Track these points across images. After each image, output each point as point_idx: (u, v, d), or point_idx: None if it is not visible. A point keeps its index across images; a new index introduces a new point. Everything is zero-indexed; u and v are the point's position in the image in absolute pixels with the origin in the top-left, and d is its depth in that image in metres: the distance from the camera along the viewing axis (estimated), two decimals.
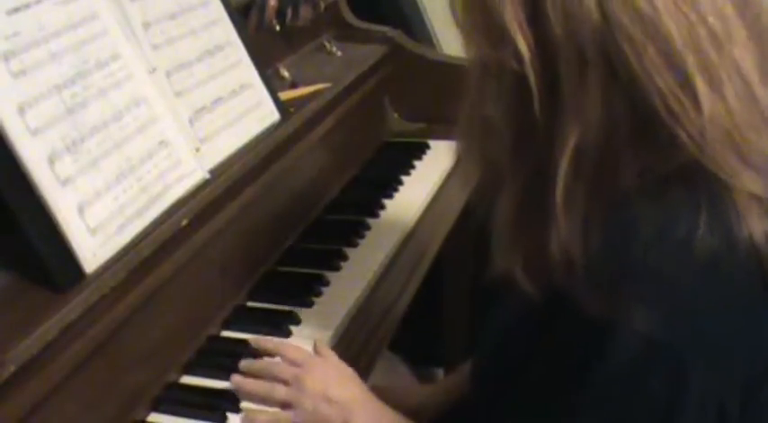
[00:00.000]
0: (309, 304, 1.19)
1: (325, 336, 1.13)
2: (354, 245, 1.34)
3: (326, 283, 1.24)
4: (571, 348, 0.72)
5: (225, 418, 0.99)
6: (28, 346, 0.82)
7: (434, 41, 2.13)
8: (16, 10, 0.95)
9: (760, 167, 0.69)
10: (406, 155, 1.66)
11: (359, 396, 0.98)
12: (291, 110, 1.38)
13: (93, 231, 0.94)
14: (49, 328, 0.85)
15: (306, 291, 1.21)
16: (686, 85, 0.67)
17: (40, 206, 0.90)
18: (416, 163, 1.64)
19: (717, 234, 0.67)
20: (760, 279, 0.69)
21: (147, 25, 1.15)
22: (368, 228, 1.39)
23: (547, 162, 0.71)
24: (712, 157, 0.68)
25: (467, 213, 1.55)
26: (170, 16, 1.20)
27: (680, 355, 0.67)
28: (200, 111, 1.19)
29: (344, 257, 1.30)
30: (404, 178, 1.58)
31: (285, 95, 1.43)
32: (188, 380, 1.06)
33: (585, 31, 0.67)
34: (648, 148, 0.69)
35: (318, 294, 1.22)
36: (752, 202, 0.69)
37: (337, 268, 1.28)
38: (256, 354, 1.07)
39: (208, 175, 1.14)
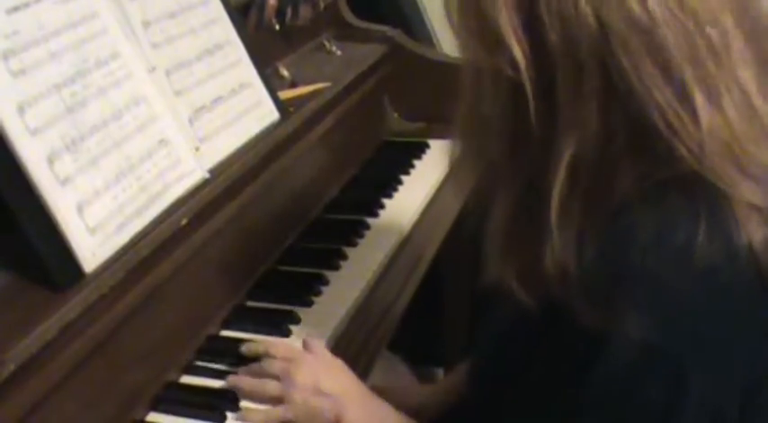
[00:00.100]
0: (309, 304, 1.19)
1: (325, 335, 1.13)
2: (354, 244, 1.34)
3: (326, 283, 1.24)
4: (568, 353, 0.72)
5: (224, 417, 0.99)
6: (27, 345, 0.82)
7: (434, 41, 2.13)
8: (16, 9, 0.95)
9: (760, 178, 0.69)
10: (406, 154, 1.66)
11: (350, 388, 0.98)
12: (291, 109, 1.38)
13: (92, 231, 0.94)
14: (49, 327, 0.85)
15: (305, 290, 1.21)
16: (684, 98, 0.67)
17: (39, 205, 0.90)
18: (416, 162, 1.64)
19: (716, 241, 0.66)
20: (759, 286, 0.69)
21: (146, 24, 1.15)
22: (367, 227, 1.39)
23: (541, 174, 0.71)
24: (711, 169, 0.67)
25: (466, 213, 1.55)
26: (170, 15, 1.20)
27: (679, 360, 0.67)
28: (200, 110, 1.19)
29: (344, 257, 1.30)
30: (403, 178, 1.58)
31: (285, 95, 1.43)
32: (187, 379, 1.06)
33: (582, 40, 0.67)
34: (646, 158, 0.69)
35: (318, 294, 1.22)
36: (751, 210, 0.68)
37: (337, 268, 1.28)
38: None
39: (207, 175, 1.14)
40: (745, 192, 0.68)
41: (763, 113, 0.69)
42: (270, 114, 1.32)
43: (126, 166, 1.02)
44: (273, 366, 1.01)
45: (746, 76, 0.68)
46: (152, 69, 1.13)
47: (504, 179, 0.75)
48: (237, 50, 1.31)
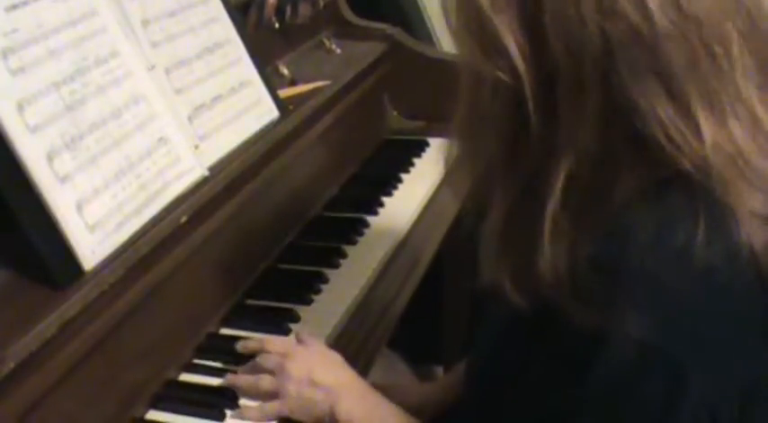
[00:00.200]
0: (308, 302, 1.19)
1: (325, 333, 1.13)
2: (353, 242, 1.34)
3: (326, 281, 1.24)
4: (566, 353, 0.71)
5: (223, 415, 0.99)
6: (27, 342, 0.82)
7: (434, 39, 2.13)
8: (15, 7, 0.95)
9: (765, 189, 0.68)
10: (406, 152, 1.66)
11: (344, 379, 0.98)
12: (290, 107, 1.38)
13: (91, 228, 0.94)
14: (48, 324, 0.85)
15: (305, 288, 1.21)
16: (687, 114, 0.66)
17: (38, 203, 0.90)
18: (416, 161, 1.64)
19: (715, 241, 0.66)
20: (758, 287, 0.68)
21: (146, 22, 1.15)
22: (367, 225, 1.39)
23: (537, 183, 0.70)
24: (718, 182, 0.67)
25: (464, 212, 1.55)
26: (169, 14, 1.20)
27: (678, 360, 0.67)
28: (200, 108, 1.19)
29: (344, 255, 1.30)
30: (403, 176, 1.58)
31: (284, 93, 1.43)
32: (187, 377, 1.06)
33: (586, 53, 0.66)
34: (645, 165, 0.68)
35: (318, 292, 1.22)
36: (753, 213, 0.68)
37: (336, 266, 1.28)
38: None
39: (207, 173, 1.14)
40: (751, 202, 0.67)
41: (766, 124, 0.69)
42: (269, 112, 1.32)
43: (125, 164, 1.02)
44: (268, 361, 1.01)
45: (750, 89, 0.68)
46: (151, 68, 1.13)
47: (501, 183, 0.75)
48: (237, 49, 1.31)
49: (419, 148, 1.68)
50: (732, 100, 0.67)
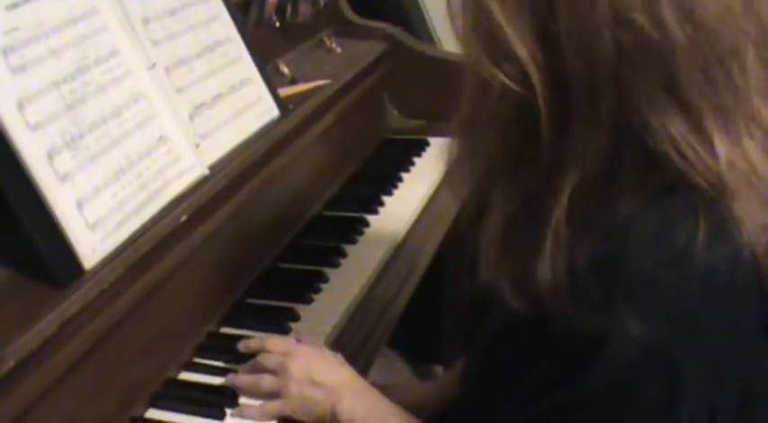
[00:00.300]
0: (308, 301, 1.19)
1: (325, 332, 1.13)
2: (353, 242, 1.34)
3: (326, 280, 1.24)
4: (565, 354, 0.71)
5: (223, 414, 0.99)
6: (27, 341, 0.82)
7: (434, 38, 2.13)
8: (16, 5, 0.95)
9: None
10: (406, 152, 1.66)
11: (345, 378, 0.98)
12: (291, 106, 1.38)
13: (92, 227, 0.94)
14: (48, 323, 0.85)
15: (305, 287, 1.21)
16: (700, 131, 0.66)
17: (39, 202, 0.90)
18: (416, 160, 1.64)
19: (715, 243, 0.65)
20: (757, 289, 0.68)
21: (146, 21, 1.15)
22: (367, 225, 1.39)
23: (541, 193, 0.69)
24: (731, 198, 0.66)
25: (463, 213, 1.55)
26: (170, 12, 1.20)
27: (677, 361, 0.67)
28: (200, 107, 1.19)
29: (344, 254, 1.30)
30: (403, 175, 1.58)
31: (285, 92, 1.43)
32: (187, 376, 1.06)
33: (600, 64, 0.66)
34: (653, 181, 0.68)
35: (317, 291, 1.22)
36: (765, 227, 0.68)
37: (336, 265, 1.28)
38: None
39: (207, 172, 1.14)
40: (763, 216, 0.67)
41: None
42: (270, 111, 1.32)
43: (126, 162, 1.02)
44: (269, 361, 1.01)
45: (764, 107, 0.67)
46: (152, 66, 1.13)
47: (503, 188, 0.75)
48: (238, 47, 1.31)
49: (419, 147, 1.68)
50: (747, 116, 0.67)
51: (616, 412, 0.70)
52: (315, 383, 0.97)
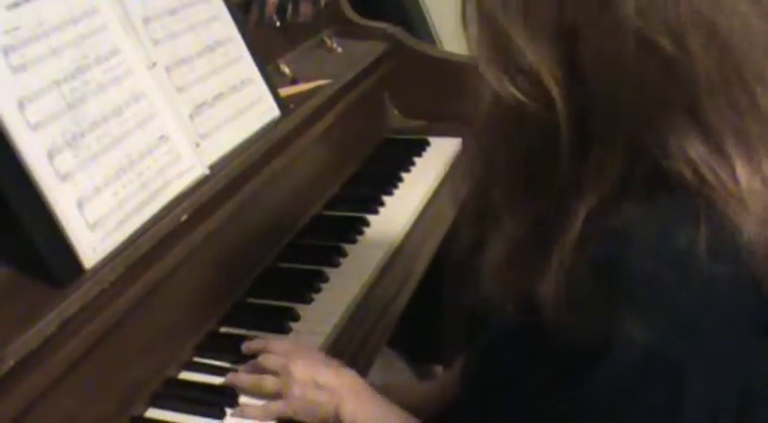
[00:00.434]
0: (308, 300, 1.19)
1: (325, 332, 1.13)
2: (354, 241, 1.34)
3: (326, 280, 1.24)
4: (566, 357, 0.71)
5: (223, 413, 0.99)
6: (27, 340, 0.82)
7: (435, 38, 2.13)
8: (16, 5, 0.95)
9: None
10: (406, 152, 1.66)
11: (348, 381, 0.98)
12: (291, 106, 1.38)
13: (92, 226, 0.94)
14: (48, 322, 0.85)
15: (305, 287, 1.21)
16: (722, 156, 0.65)
17: (39, 201, 0.90)
18: (416, 160, 1.64)
19: (716, 245, 0.65)
20: (755, 290, 0.68)
21: (147, 20, 1.15)
22: (367, 224, 1.39)
23: (553, 216, 0.69)
24: (756, 223, 0.66)
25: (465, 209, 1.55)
26: (170, 11, 1.20)
27: (679, 363, 0.67)
28: (201, 106, 1.19)
29: (344, 254, 1.30)
30: (404, 175, 1.58)
31: (285, 92, 1.43)
32: (186, 375, 1.06)
33: (622, 87, 0.65)
34: (657, 191, 0.68)
35: (318, 291, 1.22)
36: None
37: (336, 265, 1.28)
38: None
39: (207, 171, 1.14)
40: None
41: None
42: (270, 111, 1.32)
43: (126, 162, 1.02)
44: (271, 362, 1.01)
45: None
46: (152, 65, 1.13)
47: (511, 208, 0.74)
48: (238, 47, 1.31)
49: (420, 147, 1.68)
50: (766, 141, 0.66)
51: (617, 415, 0.70)
52: (318, 386, 0.97)
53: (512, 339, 0.81)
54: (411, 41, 1.80)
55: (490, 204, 0.77)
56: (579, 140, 0.68)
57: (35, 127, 0.92)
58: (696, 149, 0.65)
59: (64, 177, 0.93)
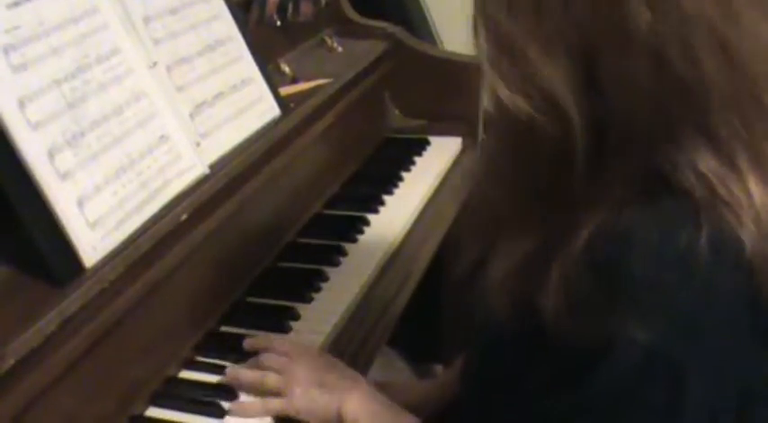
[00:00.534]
0: (309, 300, 1.19)
1: (324, 331, 1.13)
2: (354, 241, 1.34)
3: (326, 279, 1.24)
4: (567, 359, 0.71)
5: (223, 412, 0.99)
6: (27, 339, 0.83)
7: (436, 38, 2.13)
8: (17, 4, 0.95)
9: None
10: (407, 151, 1.66)
11: (350, 382, 0.98)
12: (292, 105, 1.38)
13: (92, 225, 0.94)
14: (49, 321, 0.85)
15: (305, 286, 1.21)
16: (734, 170, 0.65)
17: (39, 200, 0.90)
18: (417, 159, 1.64)
19: (717, 246, 0.65)
20: (752, 292, 0.68)
21: (147, 20, 1.15)
22: (368, 224, 1.39)
23: (561, 234, 0.69)
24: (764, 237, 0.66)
25: (466, 210, 1.55)
26: (171, 11, 1.20)
27: (680, 363, 0.67)
28: (201, 105, 1.19)
29: (344, 253, 1.31)
30: (404, 174, 1.58)
31: (286, 91, 1.43)
32: (187, 374, 1.06)
33: (638, 105, 0.65)
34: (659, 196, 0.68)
35: (318, 290, 1.22)
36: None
37: (337, 264, 1.28)
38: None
39: (208, 170, 1.14)
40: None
41: None
42: (271, 110, 1.32)
43: (126, 161, 1.02)
44: (273, 360, 1.01)
45: None
46: (153, 65, 1.13)
47: (517, 219, 0.74)
48: (239, 46, 1.31)
49: (420, 146, 1.69)
50: None
51: (617, 415, 0.70)
52: (320, 385, 0.97)
53: (512, 339, 0.81)
54: (411, 41, 1.80)
55: (495, 218, 0.77)
56: (594, 154, 0.68)
57: (35, 126, 0.92)
58: (707, 163, 0.65)
59: (64, 176, 0.93)
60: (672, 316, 0.67)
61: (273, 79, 1.38)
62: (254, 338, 1.08)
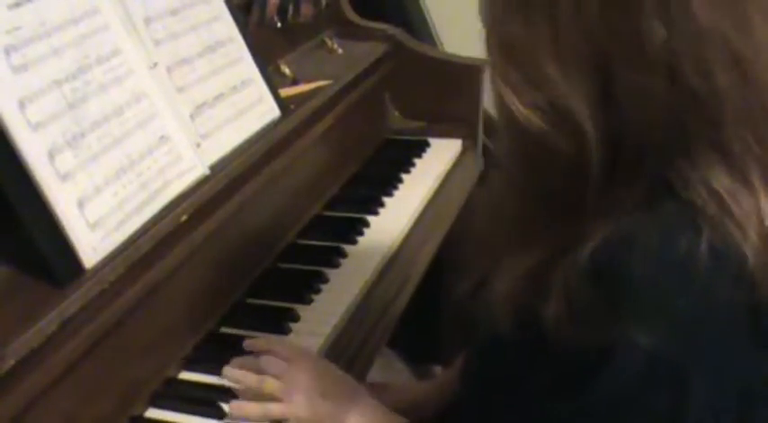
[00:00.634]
0: (308, 301, 1.20)
1: (324, 333, 1.13)
2: (353, 242, 1.35)
3: (326, 281, 1.24)
4: (569, 363, 0.71)
5: (223, 413, 0.99)
6: (27, 339, 0.83)
7: (436, 40, 2.13)
8: (18, 4, 0.95)
9: None
10: (407, 153, 1.67)
11: (351, 391, 0.98)
12: (292, 106, 1.38)
13: (92, 226, 0.94)
14: (49, 322, 0.85)
15: (305, 288, 1.21)
16: (748, 188, 0.66)
17: (39, 201, 0.90)
18: (416, 161, 1.64)
19: (717, 251, 0.65)
20: (751, 294, 0.68)
21: (148, 21, 1.15)
22: (367, 225, 1.40)
23: (567, 245, 0.69)
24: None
25: (466, 212, 1.55)
26: (171, 12, 1.20)
27: (682, 366, 0.67)
28: (201, 106, 1.19)
29: (344, 255, 1.31)
30: (404, 176, 1.58)
31: (286, 92, 1.43)
32: (186, 376, 1.06)
33: (653, 120, 0.65)
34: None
35: (317, 291, 1.22)
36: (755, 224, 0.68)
37: (337, 265, 1.28)
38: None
39: (208, 171, 1.14)
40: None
41: None
42: (271, 111, 1.33)
43: (127, 162, 1.02)
44: (272, 365, 1.00)
45: None
46: (153, 66, 1.13)
47: (524, 230, 0.74)
48: (239, 48, 1.31)
49: (420, 148, 1.69)
50: None
51: (620, 420, 0.70)
52: (322, 394, 0.95)
53: (513, 343, 0.81)
54: (411, 43, 1.80)
55: (501, 234, 0.77)
56: (608, 168, 0.68)
57: (36, 127, 0.92)
58: (722, 181, 0.66)
59: (64, 177, 0.93)
60: (673, 319, 0.66)
61: (274, 80, 1.38)
62: (254, 340, 1.07)
